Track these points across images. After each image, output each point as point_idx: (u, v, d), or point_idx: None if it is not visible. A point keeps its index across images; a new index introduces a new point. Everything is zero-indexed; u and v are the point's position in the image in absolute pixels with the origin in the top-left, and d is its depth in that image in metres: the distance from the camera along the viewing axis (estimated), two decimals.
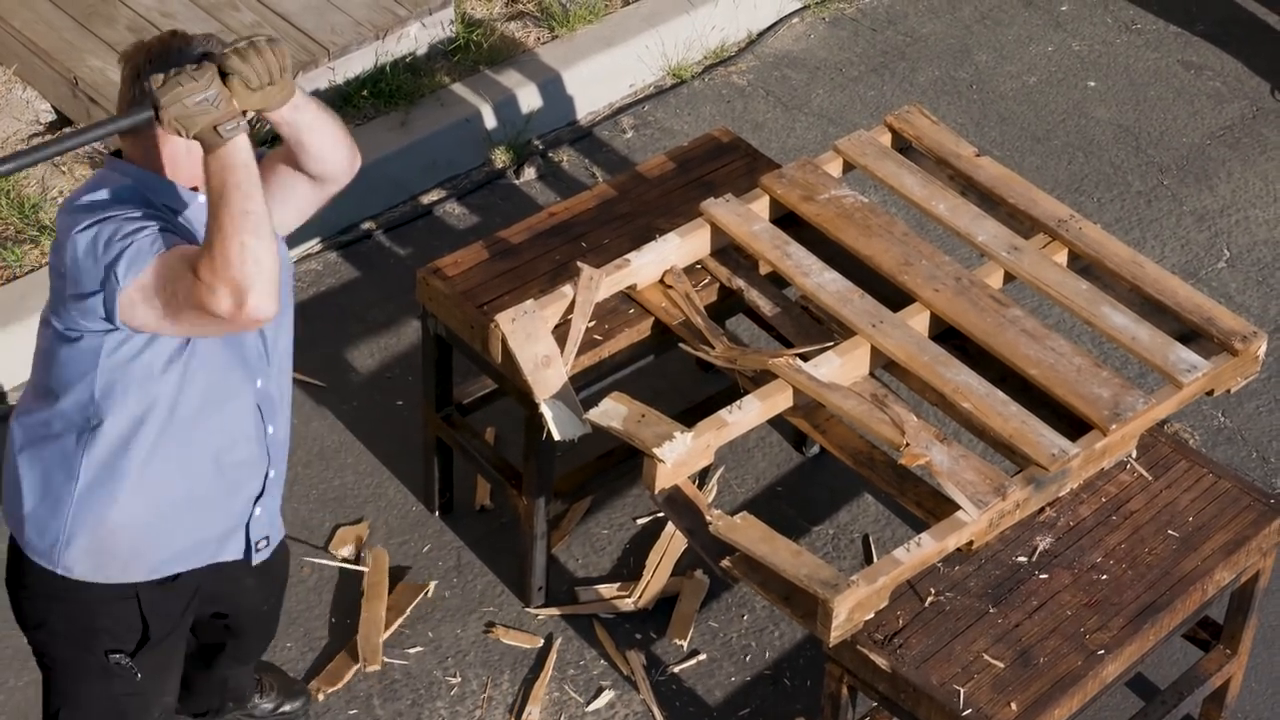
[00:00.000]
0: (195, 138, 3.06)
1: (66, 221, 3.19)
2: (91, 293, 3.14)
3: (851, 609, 3.67)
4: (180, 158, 3.25)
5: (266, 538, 3.61)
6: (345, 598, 4.62)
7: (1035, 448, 3.89)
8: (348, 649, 4.49)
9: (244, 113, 3.07)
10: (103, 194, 3.20)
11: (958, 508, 3.83)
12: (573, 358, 4.16)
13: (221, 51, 3.08)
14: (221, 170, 3.06)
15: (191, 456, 3.37)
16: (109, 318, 3.15)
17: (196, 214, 3.28)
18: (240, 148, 3.07)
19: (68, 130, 3.11)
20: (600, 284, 4.23)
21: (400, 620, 4.55)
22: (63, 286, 3.21)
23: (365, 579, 4.62)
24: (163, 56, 3.15)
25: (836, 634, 3.68)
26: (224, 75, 3.05)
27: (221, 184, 3.06)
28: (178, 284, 3.07)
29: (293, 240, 5.46)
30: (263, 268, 3.02)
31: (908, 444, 3.87)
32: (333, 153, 3.31)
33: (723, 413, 3.95)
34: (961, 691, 3.68)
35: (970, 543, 3.85)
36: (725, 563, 3.81)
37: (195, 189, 3.28)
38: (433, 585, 4.64)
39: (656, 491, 3.88)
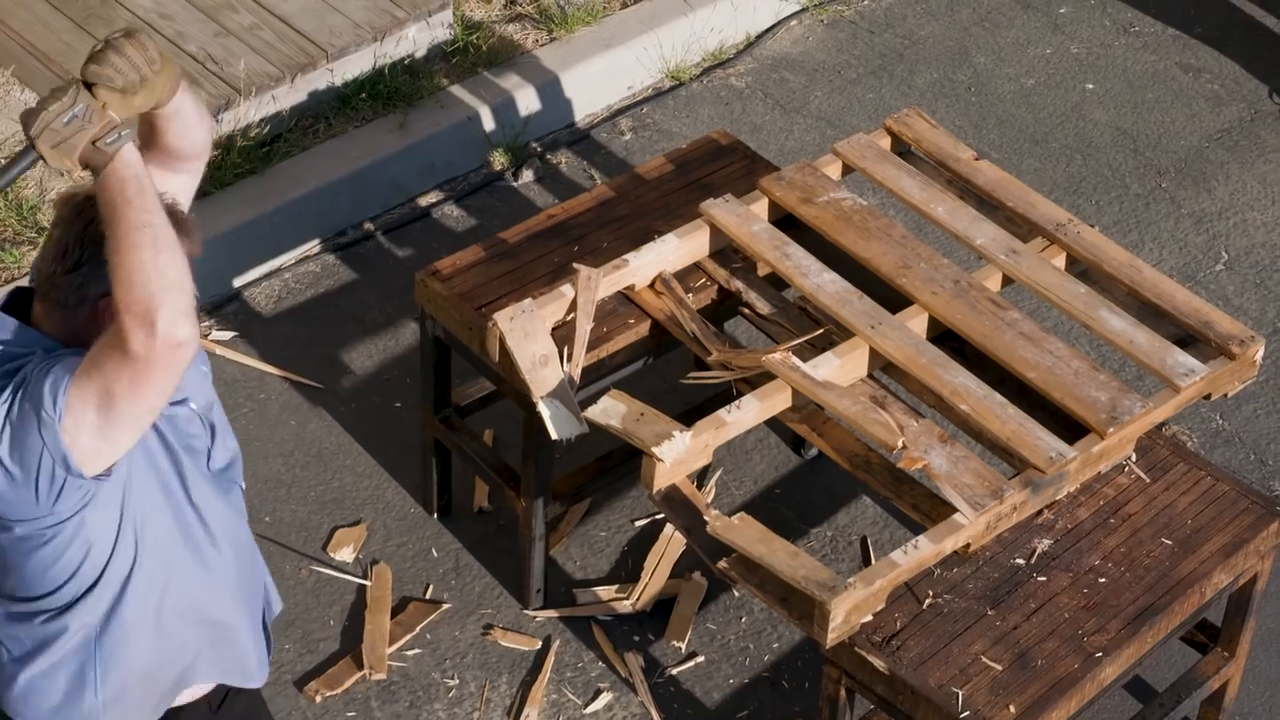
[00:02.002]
0: (82, 164, 2.79)
1: None
2: (38, 469, 2.87)
3: (849, 611, 3.68)
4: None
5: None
6: (343, 601, 4.62)
7: (1033, 450, 3.89)
8: (352, 656, 4.48)
9: (121, 122, 2.80)
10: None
11: (954, 511, 3.83)
12: (581, 358, 4.16)
13: (83, 67, 2.81)
14: (110, 188, 2.78)
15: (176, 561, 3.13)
16: (65, 465, 2.87)
17: None
18: (127, 160, 2.79)
19: None
20: (599, 284, 4.23)
21: (409, 636, 4.54)
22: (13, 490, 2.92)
23: (369, 592, 4.61)
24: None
25: (833, 636, 3.68)
26: (89, 86, 2.79)
27: (111, 202, 2.77)
28: (95, 357, 2.81)
29: (291, 242, 5.48)
30: (168, 283, 2.74)
31: (904, 447, 3.88)
32: (197, 126, 3.04)
33: (721, 412, 3.95)
34: (960, 694, 3.68)
35: (968, 545, 3.85)
36: (722, 564, 3.81)
37: None
38: (446, 605, 4.63)
39: (655, 490, 3.88)
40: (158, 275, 2.73)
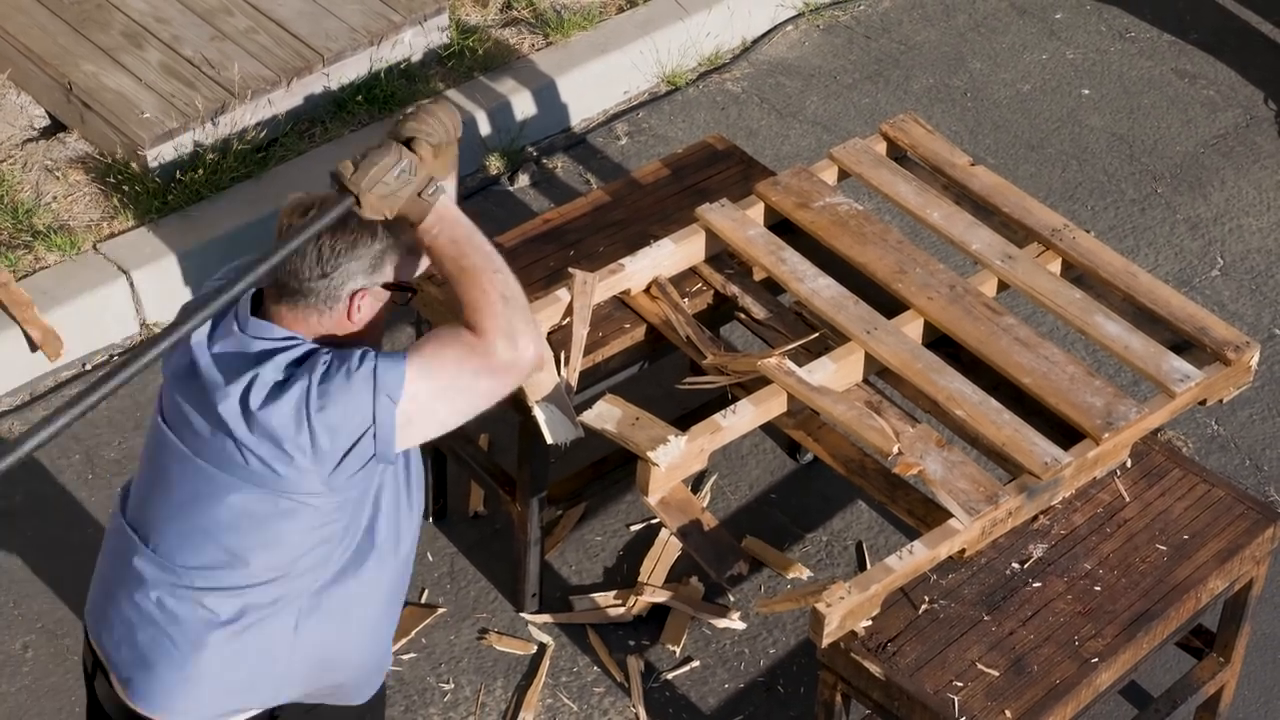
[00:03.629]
0: (401, 214, 3.03)
1: (282, 408, 3.00)
2: (355, 441, 3.02)
3: (844, 616, 3.68)
4: (370, 328, 3.15)
5: None
6: None
7: (1028, 456, 3.89)
8: None
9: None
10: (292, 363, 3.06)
11: (949, 516, 3.83)
12: (578, 363, 4.16)
13: (395, 128, 3.08)
14: (443, 231, 3.06)
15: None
16: (381, 453, 3.05)
17: None
18: (451, 203, 3.07)
19: (262, 255, 3.01)
20: (594, 288, 4.23)
21: (405, 640, 4.54)
22: (274, 475, 3.04)
23: None
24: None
25: (829, 639, 3.70)
26: (408, 143, 3.06)
27: (450, 242, 3.06)
28: (449, 361, 3.04)
29: None
30: (518, 304, 3.05)
31: (900, 452, 3.88)
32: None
33: (716, 417, 3.95)
34: (956, 699, 3.67)
35: (963, 550, 3.85)
36: (740, 566, 3.83)
37: None
38: (441, 610, 4.63)
39: (650, 495, 3.88)
40: (507, 300, 3.05)
